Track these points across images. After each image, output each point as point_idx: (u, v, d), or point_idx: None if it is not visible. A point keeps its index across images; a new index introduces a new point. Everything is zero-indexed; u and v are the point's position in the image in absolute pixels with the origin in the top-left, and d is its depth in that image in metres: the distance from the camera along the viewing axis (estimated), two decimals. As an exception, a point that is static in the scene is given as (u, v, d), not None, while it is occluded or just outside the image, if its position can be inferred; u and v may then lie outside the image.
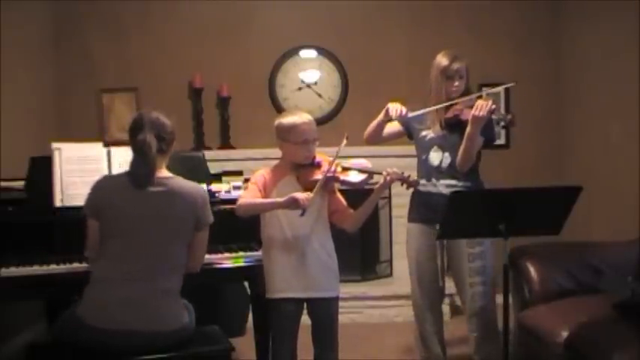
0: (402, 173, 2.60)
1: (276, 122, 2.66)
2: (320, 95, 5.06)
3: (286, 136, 2.61)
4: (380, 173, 2.59)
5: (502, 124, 2.89)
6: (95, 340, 2.36)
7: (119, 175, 2.51)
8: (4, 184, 3.15)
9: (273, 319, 2.68)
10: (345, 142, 2.59)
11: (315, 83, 5.07)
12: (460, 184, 3.02)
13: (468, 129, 2.88)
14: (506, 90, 5.00)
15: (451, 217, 2.63)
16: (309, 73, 5.08)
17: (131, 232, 2.41)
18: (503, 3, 5.05)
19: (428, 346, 3.21)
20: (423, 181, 3.07)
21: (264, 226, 2.67)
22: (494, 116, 2.86)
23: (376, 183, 2.64)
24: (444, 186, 3.03)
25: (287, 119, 2.63)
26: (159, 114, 2.50)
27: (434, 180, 3.06)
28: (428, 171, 3.08)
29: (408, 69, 4.90)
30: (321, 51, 5.06)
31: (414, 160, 3.25)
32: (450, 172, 3.04)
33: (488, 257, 3.05)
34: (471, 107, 2.89)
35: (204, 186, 3.08)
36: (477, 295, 3.04)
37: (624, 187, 4.18)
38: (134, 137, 2.43)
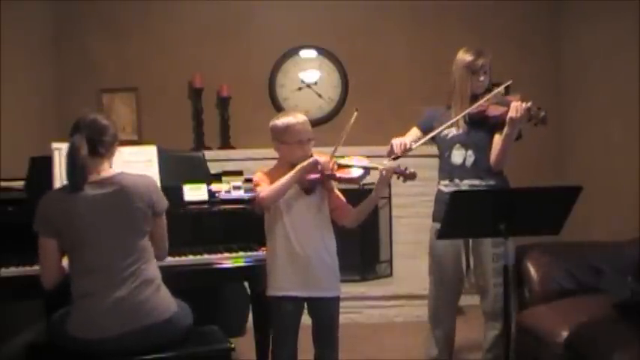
0: (398, 166, 2.58)
1: (271, 124, 2.66)
2: (320, 95, 5.06)
3: (281, 136, 2.62)
4: (376, 168, 2.58)
5: (534, 121, 2.84)
6: (88, 348, 2.37)
7: (63, 188, 2.49)
8: (4, 184, 3.15)
9: (273, 318, 2.68)
10: (355, 115, 2.55)
11: (315, 83, 5.07)
12: (484, 183, 2.97)
13: (506, 129, 2.82)
14: (506, 88, 5.00)
15: (452, 216, 2.62)
16: (309, 73, 5.08)
17: (99, 238, 2.39)
18: (504, 3, 5.05)
19: (440, 348, 3.14)
20: (445, 182, 3.04)
21: (268, 223, 2.68)
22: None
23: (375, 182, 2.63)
24: (467, 186, 2.97)
25: (281, 120, 2.64)
26: (97, 116, 2.50)
27: (457, 180, 2.99)
28: (450, 170, 3.02)
29: (408, 69, 4.90)
30: (321, 51, 5.06)
31: (429, 160, 3.23)
32: (475, 170, 2.97)
33: (510, 257, 3.00)
34: (497, 104, 2.86)
35: (203, 185, 3.11)
36: (500, 296, 2.88)
37: (624, 187, 4.18)
38: (69, 140, 2.44)
